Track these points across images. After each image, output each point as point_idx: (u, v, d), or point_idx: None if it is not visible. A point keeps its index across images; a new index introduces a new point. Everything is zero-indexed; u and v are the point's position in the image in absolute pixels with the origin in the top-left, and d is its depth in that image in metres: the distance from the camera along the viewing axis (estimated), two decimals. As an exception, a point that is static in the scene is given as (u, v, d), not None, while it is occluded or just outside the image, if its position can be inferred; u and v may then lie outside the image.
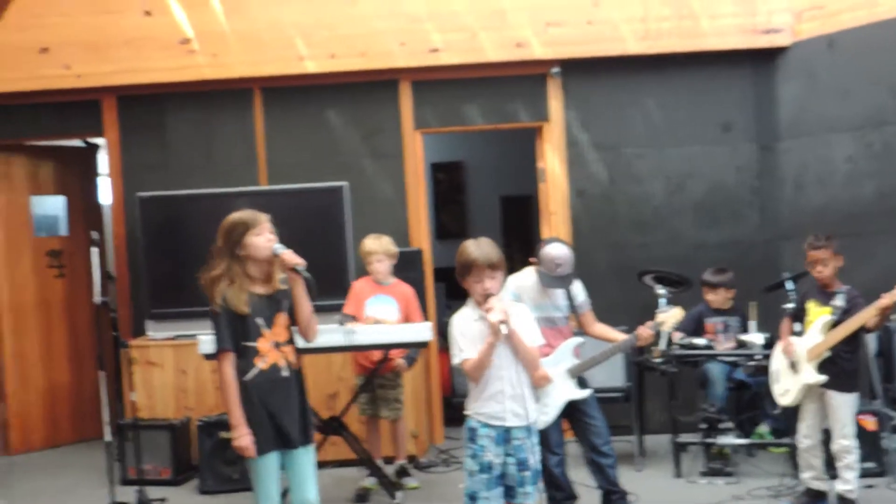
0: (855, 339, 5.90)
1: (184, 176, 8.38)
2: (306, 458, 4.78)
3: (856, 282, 5.82)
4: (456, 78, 8.39)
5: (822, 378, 5.89)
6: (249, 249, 4.65)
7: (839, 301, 5.88)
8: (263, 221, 4.70)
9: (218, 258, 4.71)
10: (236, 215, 4.73)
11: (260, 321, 4.65)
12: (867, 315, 5.70)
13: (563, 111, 8.37)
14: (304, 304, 4.73)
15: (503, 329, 4.52)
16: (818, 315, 5.98)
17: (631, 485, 6.13)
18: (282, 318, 4.73)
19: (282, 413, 4.65)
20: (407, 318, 6.92)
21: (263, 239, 4.66)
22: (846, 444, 5.90)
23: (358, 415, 7.10)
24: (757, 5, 8.12)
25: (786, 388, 6.16)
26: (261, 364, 4.65)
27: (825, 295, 5.98)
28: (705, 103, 8.34)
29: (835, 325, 5.88)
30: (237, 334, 4.63)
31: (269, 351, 4.67)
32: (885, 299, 5.60)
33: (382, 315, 6.87)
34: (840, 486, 5.94)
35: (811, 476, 6.12)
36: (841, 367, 5.90)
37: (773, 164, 8.25)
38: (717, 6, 8.13)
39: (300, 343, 4.87)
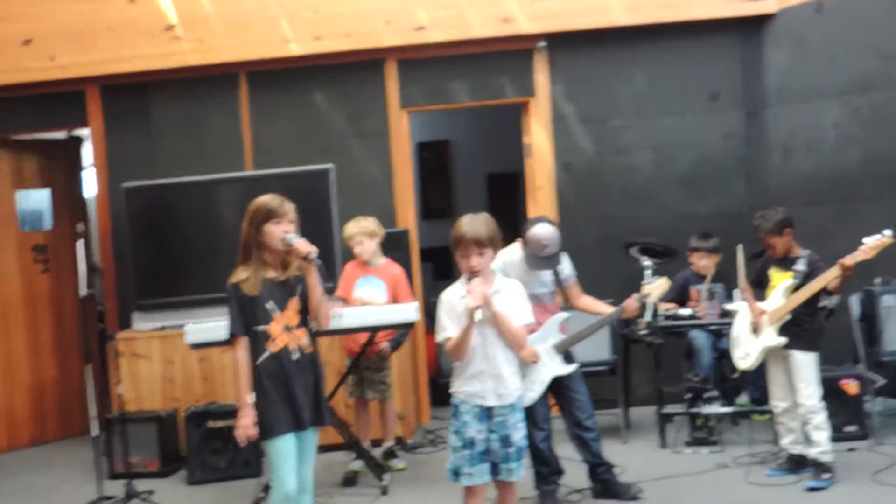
0: (815, 301, 5.96)
1: (170, 164, 8.35)
2: (311, 439, 4.85)
3: (840, 247, 5.78)
4: (442, 55, 8.34)
5: (783, 340, 5.95)
6: (265, 237, 4.69)
7: (801, 265, 5.94)
8: (288, 213, 4.74)
9: (242, 240, 4.76)
10: (264, 200, 4.76)
11: (271, 305, 4.69)
12: (830, 276, 5.74)
13: (550, 85, 8.31)
14: (317, 292, 4.76)
15: (477, 315, 4.48)
16: (780, 280, 6.02)
17: (617, 457, 6.14)
18: (294, 303, 4.76)
19: (292, 395, 4.69)
20: (395, 299, 6.88)
21: (280, 230, 4.68)
22: (811, 403, 5.91)
23: (346, 396, 7.08)
24: (744, -28, 8.03)
25: (746, 351, 6.19)
26: (271, 348, 4.70)
27: (786, 261, 6.03)
28: (693, 73, 8.26)
29: (797, 288, 5.92)
30: (248, 318, 4.68)
31: (280, 334, 4.71)
32: (848, 260, 5.64)
33: (370, 297, 6.86)
34: (813, 450, 5.95)
35: (790, 441, 6.15)
36: (802, 327, 5.94)
37: (761, 132, 8.17)
38: (704, -25, 8.04)
39: None
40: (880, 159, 7.46)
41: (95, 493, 6.64)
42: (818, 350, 6.00)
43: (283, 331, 4.71)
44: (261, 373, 4.68)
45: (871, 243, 5.63)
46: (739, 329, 6.27)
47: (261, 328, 4.68)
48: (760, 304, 6.11)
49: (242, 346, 4.69)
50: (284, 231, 4.68)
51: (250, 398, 4.66)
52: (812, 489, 5.83)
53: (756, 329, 6.10)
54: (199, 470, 7.05)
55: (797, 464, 6.12)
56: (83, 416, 8.27)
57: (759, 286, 6.21)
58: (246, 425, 4.62)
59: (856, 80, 7.60)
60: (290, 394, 4.69)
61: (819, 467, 5.91)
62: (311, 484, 4.88)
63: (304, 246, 4.65)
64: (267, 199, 4.75)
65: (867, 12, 7.52)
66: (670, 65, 8.28)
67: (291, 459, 4.71)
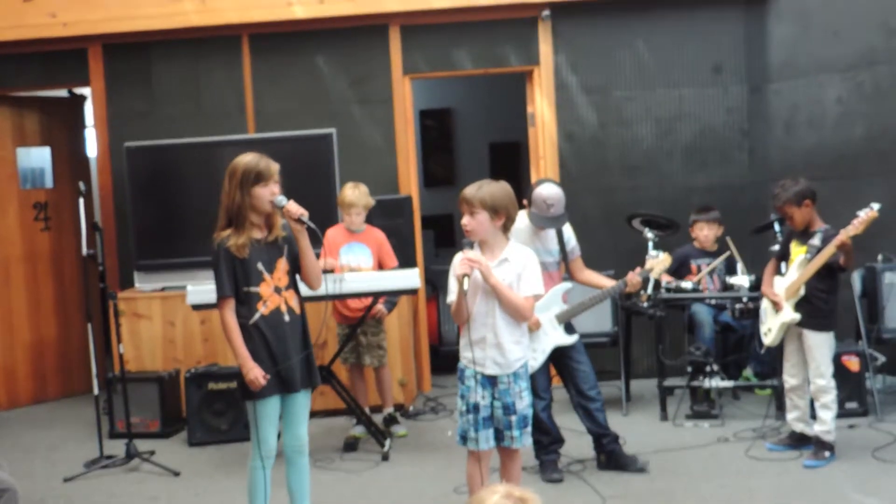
0: (830, 279, 5.93)
1: (171, 125, 8.34)
2: (303, 400, 4.87)
3: (843, 223, 5.78)
4: (446, 22, 8.31)
5: (797, 316, 5.94)
6: (254, 199, 4.67)
7: (816, 240, 5.88)
8: (274, 173, 4.72)
9: (227, 202, 4.70)
10: (251, 162, 4.71)
11: (261, 266, 4.70)
12: (828, 252, 5.72)
13: (553, 55, 8.29)
14: (310, 254, 4.79)
15: (465, 284, 4.53)
16: (797, 254, 6.01)
17: (617, 429, 6.14)
18: (282, 264, 4.78)
19: (283, 357, 4.70)
20: (381, 264, 6.90)
21: (268, 192, 4.68)
22: (822, 383, 5.92)
23: (341, 363, 7.07)
24: (749, -57, 8.01)
25: (769, 327, 6.19)
26: (262, 309, 4.71)
27: (806, 235, 6.00)
28: (696, 45, 8.27)
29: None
30: (238, 280, 4.68)
31: (271, 296, 4.73)
32: (842, 234, 5.64)
33: (357, 262, 6.85)
34: (817, 427, 5.97)
35: (795, 417, 6.17)
36: (816, 306, 5.93)
37: (764, 106, 8.18)
38: (710, -56, 8.02)
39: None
40: (884, 135, 7.45)
41: (97, 451, 6.68)
42: (832, 330, 5.98)
43: (273, 292, 4.73)
44: (252, 334, 4.69)
45: (861, 217, 5.63)
46: (766, 304, 6.25)
47: (252, 289, 4.69)
48: (779, 279, 6.11)
49: (230, 308, 4.69)
50: (272, 192, 4.67)
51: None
52: (810, 468, 5.86)
53: (776, 305, 6.10)
54: (199, 431, 7.07)
55: (798, 440, 6.15)
56: (84, 375, 8.29)
57: (784, 259, 6.19)
58: (255, 377, 4.60)
59: (860, 54, 7.58)
60: (281, 355, 4.70)
61: (820, 446, 5.94)
62: (306, 445, 4.92)
63: (295, 208, 4.67)
64: (253, 161, 4.71)
65: (871, -14, 7.48)
66: (673, 37, 8.28)
67: (274, 420, 4.76)
